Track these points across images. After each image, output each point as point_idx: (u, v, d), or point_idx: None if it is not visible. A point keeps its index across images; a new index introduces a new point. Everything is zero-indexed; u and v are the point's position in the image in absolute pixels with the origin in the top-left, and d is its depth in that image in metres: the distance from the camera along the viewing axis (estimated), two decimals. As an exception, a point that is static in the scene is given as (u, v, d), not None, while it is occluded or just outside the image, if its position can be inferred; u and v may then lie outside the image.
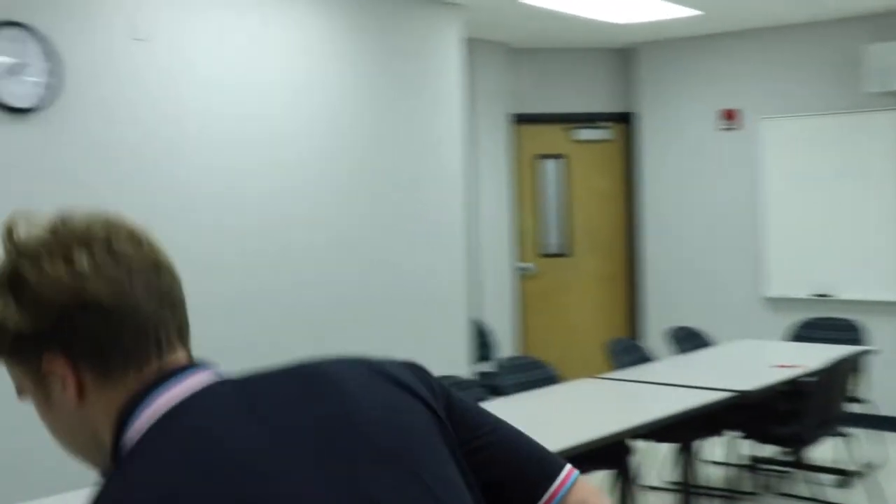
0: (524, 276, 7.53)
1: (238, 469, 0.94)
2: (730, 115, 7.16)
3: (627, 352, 5.06)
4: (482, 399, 4.13)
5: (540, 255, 7.63)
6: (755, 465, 5.42)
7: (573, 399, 4.25)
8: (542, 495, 1.18)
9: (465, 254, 5.98)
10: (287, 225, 4.90)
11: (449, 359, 5.51)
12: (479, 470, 1.14)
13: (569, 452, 3.32)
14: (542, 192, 7.67)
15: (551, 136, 7.64)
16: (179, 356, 1.05)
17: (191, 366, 1.04)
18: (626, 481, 4.09)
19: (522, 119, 7.48)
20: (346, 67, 5.21)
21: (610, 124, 7.72)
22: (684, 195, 7.39)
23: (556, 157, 7.68)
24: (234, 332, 4.57)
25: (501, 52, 7.25)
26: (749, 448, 5.37)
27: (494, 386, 4.50)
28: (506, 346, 6.95)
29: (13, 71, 3.82)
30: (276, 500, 0.94)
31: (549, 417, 3.89)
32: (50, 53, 3.92)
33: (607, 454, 3.95)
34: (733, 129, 7.16)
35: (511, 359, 4.67)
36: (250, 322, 4.69)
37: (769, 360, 4.89)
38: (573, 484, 1.20)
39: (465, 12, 5.95)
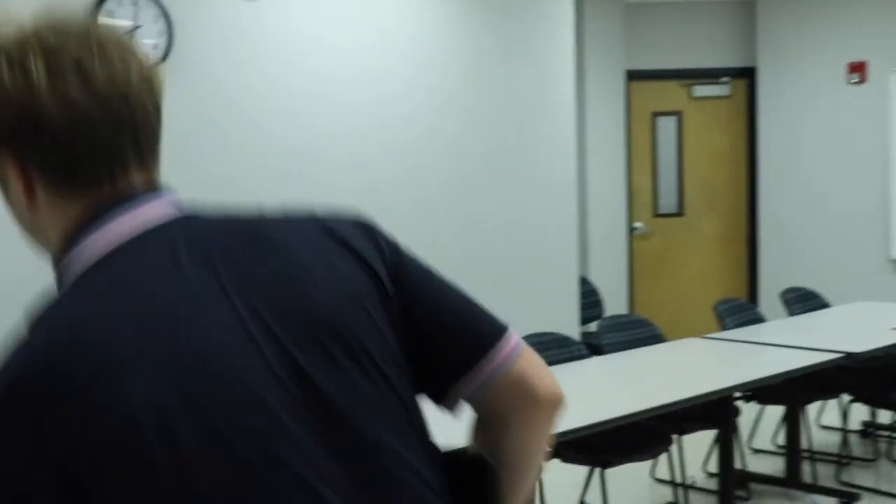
0: (637, 237, 7.49)
1: (156, 317, 0.94)
2: (857, 69, 6.92)
3: (736, 312, 5.00)
4: (583, 357, 4.18)
5: (654, 215, 7.57)
6: (869, 430, 5.30)
7: (676, 357, 4.25)
8: (477, 360, 1.13)
9: (576, 213, 6.00)
10: (396, 186, 5.02)
11: (558, 318, 5.56)
12: (417, 332, 1.11)
13: (668, 408, 3.35)
14: (657, 151, 7.58)
15: (667, 93, 7.54)
16: (134, 179, 1.06)
17: (146, 192, 1.05)
18: (730, 441, 4.07)
19: (637, 76, 7.40)
20: (452, 26, 5.27)
21: (728, 79, 7.56)
22: (807, 153, 7.19)
23: (673, 114, 7.57)
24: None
25: (614, 7, 7.18)
26: (864, 413, 5.25)
27: (596, 345, 4.53)
28: (616, 308, 6.94)
29: (129, 34, 4.03)
30: (187, 343, 0.93)
31: (649, 375, 3.91)
32: (162, 15, 4.11)
33: (711, 413, 3.95)
34: (860, 83, 6.91)
35: (614, 317, 4.67)
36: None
37: (888, 323, 4.76)
38: (522, 354, 1.15)
39: (575, -34, 5.92)
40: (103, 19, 0.95)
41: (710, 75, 7.53)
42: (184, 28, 4.19)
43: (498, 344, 1.15)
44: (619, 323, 4.58)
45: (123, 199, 1.04)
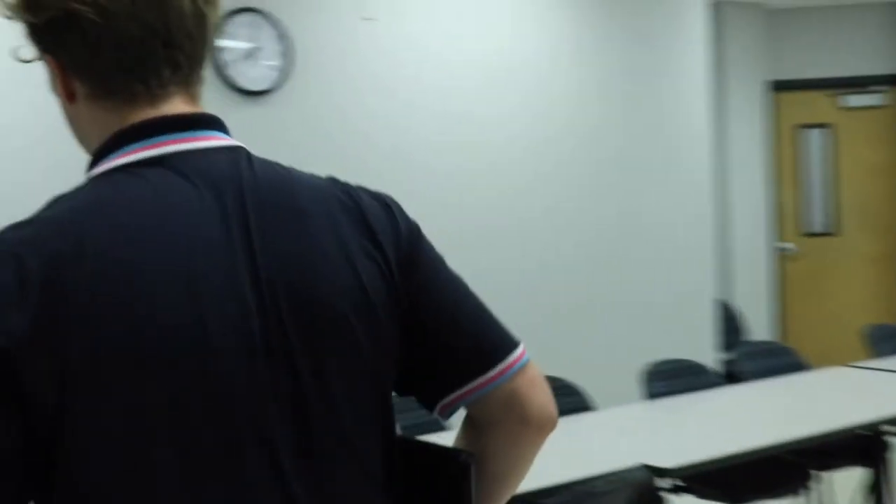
0: (784, 257, 7.13)
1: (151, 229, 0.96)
2: None
3: (889, 339, 4.66)
4: (716, 385, 3.97)
5: (802, 234, 7.20)
6: None
7: (819, 387, 3.98)
8: (479, 374, 1.12)
9: (714, 233, 5.74)
10: (519, 201, 4.91)
11: (693, 344, 5.31)
12: (421, 329, 1.10)
13: (808, 443, 3.13)
14: (804, 166, 7.22)
15: (815, 104, 7.17)
16: (175, 104, 1.04)
17: (184, 123, 1.04)
18: (881, 481, 3.77)
19: (782, 86, 7.07)
20: (578, 37, 5.14)
21: (884, 88, 7.13)
22: (973, 165, 6.70)
23: (821, 126, 7.19)
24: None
25: (756, 14, 6.88)
26: None
27: (734, 373, 4.30)
28: (761, 333, 6.61)
29: (249, 55, 4.07)
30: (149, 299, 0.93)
31: (789, 405, 3.67)
32: (282, 37, 4.14)
33: (859, 449, 3.68)
34: None
35: (753, 343, 4.44)
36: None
37: None
38: (524, 372, 1.13)
39: (710, -27, 5.70)
40: None
41: (860, 84, 7.12)
42: (303, 48, 4.21)
43: (503, 362, 1.12)
44: (758, 350, 4.34)
45: (156, 125, 1.03)
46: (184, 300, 0.94)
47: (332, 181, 1.14)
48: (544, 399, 1.16)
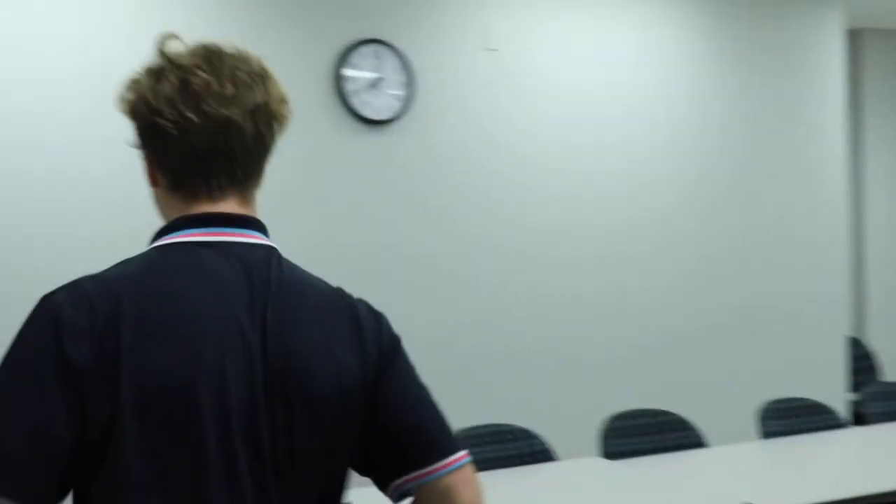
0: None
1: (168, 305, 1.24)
2: None
3: None
4: (839, 426, 3.88)
5: (946, 270, 6.90)
6: None
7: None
8: (414, 469, 1.34)
9: (849, 270, 5.59)
10: (646, 231, 4.91)
11: (821, 383, 5.16)
12: (380, 424, 1.33)
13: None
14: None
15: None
16: (229, 204, 1.32)
17: (235, 221, 1.31)
18: None
19: (925, 115, 6.82)
20: (709, 69, 5.11)
21: None
22: None
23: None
24: (589, 336, 4.69)
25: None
26: None
27: (861, 414, 4.19)
28: (897, 373, 6.39)
29: (373, 85, 4.23)
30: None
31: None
32: (405, 67, 4.28)
33: None
34: None
35: (883, 384, 4.31)
36: (607, 331, 4.79)
37: None
38: (461, 472, 1.35)
39: (848, 1, 5.58)
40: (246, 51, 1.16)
41: None
42: (425, 78, 4.34)
43: (453, 454, 1.35)
44: (889, 391, 4.21)
45: (209, 218, 1.31)
46: (211, 357, 1.23)
47: (339, 291, 1.38)
48: (474, 497, 1.37)
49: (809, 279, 5.39)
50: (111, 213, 3.76)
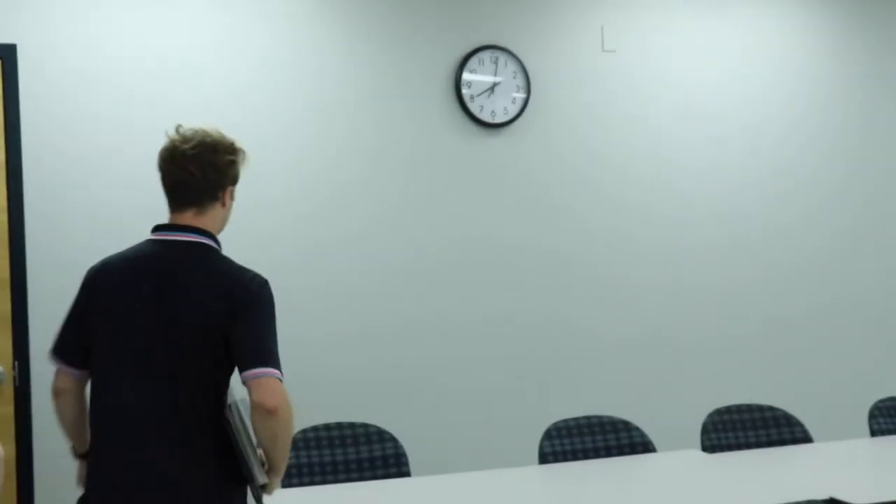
0: None
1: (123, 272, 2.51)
2: None
3: None
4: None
5: None
6: None
7: None
8: (242, 371, 2.38)
9: None
10: (767, 224, 5.06)
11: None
12: (233, 341, 2.40)
13: None
14: None
15: None
16: (185, 217, 2.52)
17: (178, 227, 2.51)
18: None
19: None
20: (827, 61, 5.19)
21: None
22: None
23: None
24: (713, 323, 4.88)
25: None
26: None
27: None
28: None
29: (491, 89, 4.54)
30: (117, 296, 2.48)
31: None
32: (521, 71, 4.57)
33: None
34: None
35: None
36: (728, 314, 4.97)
37: None
38: (258, 379, 2.35)
39: None
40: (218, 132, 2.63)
41: None
42: (542, 81, 4.62)
43: (257, 368, 2.36)
44: None
45: (167, 226, 2.53)
46: (127, 301, 2.45)
47: (235, 273, 2.47)
48: (265, 396, 2.34)
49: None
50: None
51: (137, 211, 3.99)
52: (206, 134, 2.53)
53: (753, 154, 5.04)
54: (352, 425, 3.49)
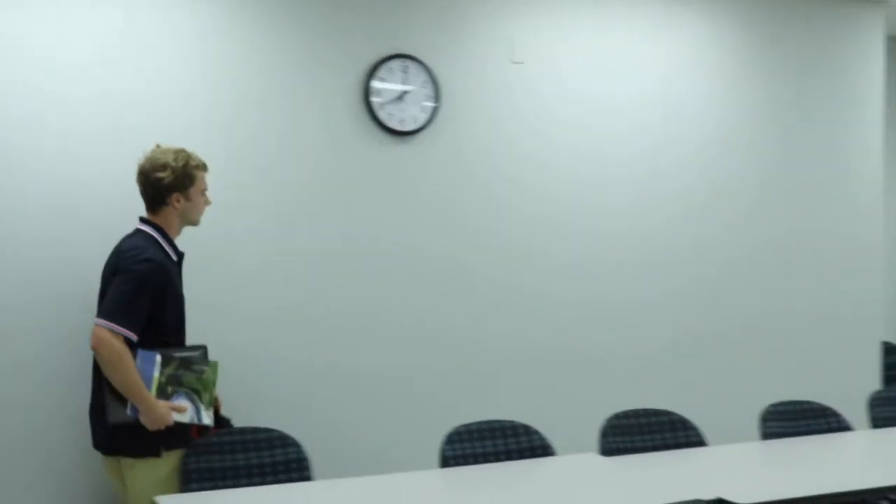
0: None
1: None
2: None
3: None
4: (842, 429, 4.21)
5: None
6: None
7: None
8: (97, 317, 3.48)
9: (884, 272, 5.89)
10: (673, 236, 5.32)
11: (851, 386, 5.48)
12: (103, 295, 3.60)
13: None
14: None
15: None
16: (148, 212, 3.72)
17: (141, 219, 3.72)
18: None
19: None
20: (738, 77, 5.48)
21: None
22: None
23: None
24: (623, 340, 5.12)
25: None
26: None
27: (875, 418, 4.49)
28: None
29: (400, 97, 4.70)
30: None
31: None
32: (431, 81, 4.75)
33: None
34: None
35: (891, 389, 4.61)
36: (638, 332, 5.22)
37: None
38: (93, 325, 3.42)
39: (889, 8, 5.85)
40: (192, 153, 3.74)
41: None
42: (451, 91, 4.81)
43: (97, 318, 3.44)
44: (893, 396, 4.51)
45: (142, 219, 3.75)
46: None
47: (129, 245, 3.61)
48: (93, 340, 3.40)
49: (842, 285, 5.71)
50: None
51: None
52: (148, 158, 3.66)
53: (660, 168, 5.30)
54: (254, 430, 3.64)
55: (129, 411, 3.41)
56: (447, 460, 3.70)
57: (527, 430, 3.90)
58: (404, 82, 4.73)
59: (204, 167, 3.74)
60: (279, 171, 4.48)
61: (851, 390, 5.23)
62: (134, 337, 3.41)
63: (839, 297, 5.73)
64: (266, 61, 4.46)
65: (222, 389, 3.75)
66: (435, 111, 4.77)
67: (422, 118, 4.76)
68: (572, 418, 4.71)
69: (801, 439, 4.10)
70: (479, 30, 4.89)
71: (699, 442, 4.06)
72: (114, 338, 3.36)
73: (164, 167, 3.61)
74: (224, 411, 3.79)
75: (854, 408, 4.52)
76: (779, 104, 5.57)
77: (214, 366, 3.61)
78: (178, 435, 3.49)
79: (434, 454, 3.74)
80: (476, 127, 4.89)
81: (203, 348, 3.69)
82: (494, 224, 4.92)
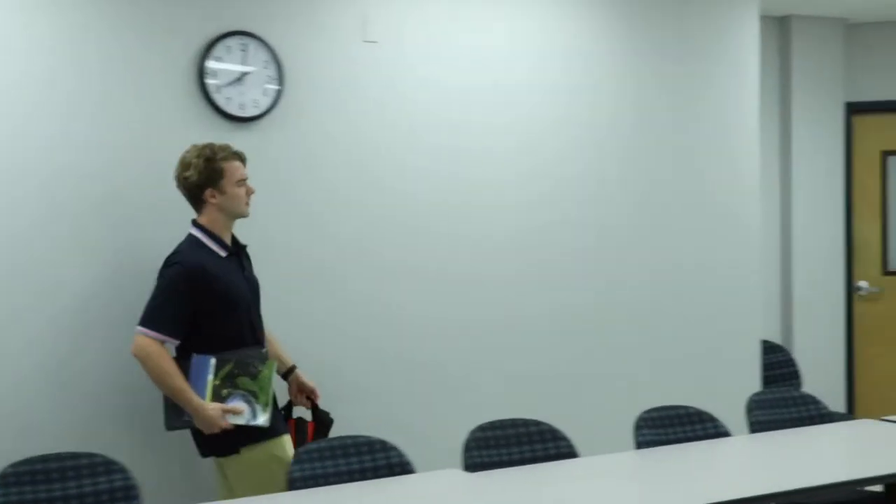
0: (860, 298, 7.13)
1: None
2: None
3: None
4: (720, 435, 4.12)
5: (885, 272, 7.19)
6: None
7: (835, 440, 4.10)
8: None
9: (768, 270, 5.87)
10: (536, 234, 5.14)
11: (734, 385, 5.43)
12: None
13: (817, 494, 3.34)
14: (888, 197, 7.21)
15: (900, 128, 7.19)
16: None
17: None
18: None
19: (863, 108, 7.11)
20: (602, 57, 5.35)
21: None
22: None
23: (908, 152, 7.22)
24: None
25: (832, 29, 6.94)
26: None
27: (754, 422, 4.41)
28: (828, 381, 6.67)
29: (239, 79, 4.41)
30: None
31: (786, 459, 3.79)
32: (273, 61, 4.47)
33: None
34: None
35: (769, 392, 4.55)
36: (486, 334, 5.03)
37: None
38: (136, 333, 3.70)
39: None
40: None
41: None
42: (296, 73, 4.53)
43: (137, 327, 3.69)
44: (773, 399, 4.45)
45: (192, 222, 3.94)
46: None
47: (174, 251, 3.85)
48: (132, 348, 3.68)
49: (720, 285, 5.66)
50: None
51: None
52: (179, 160, 3.87)
53: (521, 162, 5.12)
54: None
55: (185, 416, 3.68)
56: (293, 482, 3.46)
57: (384, 446, 3.68)
58: (244, 62, 4.43)
59: (235, 156, 3.87)
60: (112, 169, 4.16)
61: (730, 392, 5.16)
62: (171, 340, 3.71)
63: (716, 294, 5.66)
64: (80, 39, 4.11)
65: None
66: (278, 95, 4.49)
67: (264, 102, 4.47)
68: (432, 431, 4.51)
69: (676, 447, 3.99)
70: (327, 4, 4.63)
71: (570, 453, 3.91)
72: (149, 343, 3.65)
73: (188, 166, 3.80)
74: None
75: (733, 411, 4.43)
76: (650, 87, 5.47)
77: (271, 364, 3.81)
78: (253, 430, 3.73)
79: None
80: (323, 113, 4.61)
81: (263, 347, 3.91)
82: (342, 219, 4.66)
